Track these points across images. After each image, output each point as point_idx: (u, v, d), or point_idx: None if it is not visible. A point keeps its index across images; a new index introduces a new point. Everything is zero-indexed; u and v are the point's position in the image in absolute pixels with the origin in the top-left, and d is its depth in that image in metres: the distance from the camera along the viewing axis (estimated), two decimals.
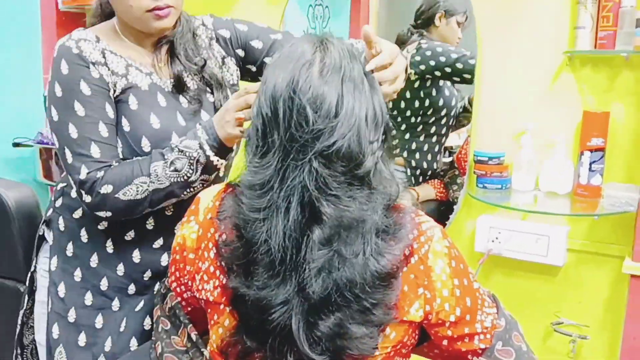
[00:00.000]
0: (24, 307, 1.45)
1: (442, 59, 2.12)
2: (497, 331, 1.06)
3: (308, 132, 0.92)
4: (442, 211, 2.22)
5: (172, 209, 1.32)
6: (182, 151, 1.20)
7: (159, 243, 1.34)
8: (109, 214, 1.22)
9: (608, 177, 1.73)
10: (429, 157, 2.32)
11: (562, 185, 1.77)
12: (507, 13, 1.85)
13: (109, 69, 1.25)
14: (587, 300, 1.83)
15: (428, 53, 2.15)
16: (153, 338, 1.22)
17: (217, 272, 1.05)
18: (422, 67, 2.16)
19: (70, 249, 1.34)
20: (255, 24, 1.44)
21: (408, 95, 2.22)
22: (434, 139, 2.30)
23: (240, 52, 1.42)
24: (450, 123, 2.28)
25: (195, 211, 1.12)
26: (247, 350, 1.00)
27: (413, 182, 2.33)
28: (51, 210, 1.40)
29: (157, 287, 1.33)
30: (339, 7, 2.54)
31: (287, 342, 0.95)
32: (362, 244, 0.93)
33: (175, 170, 1.20)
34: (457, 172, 2.23)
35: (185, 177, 1.21)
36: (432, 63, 2.13)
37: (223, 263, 1.02)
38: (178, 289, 1.17)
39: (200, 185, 1.25)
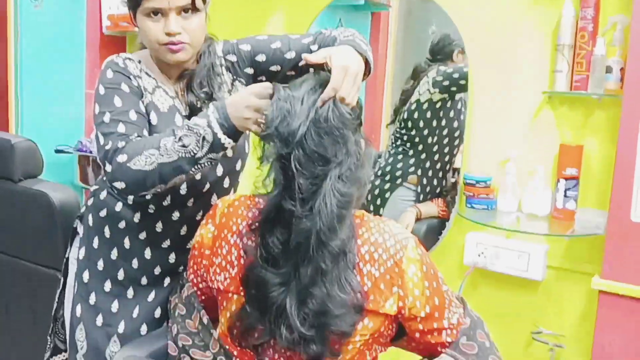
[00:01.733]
0: (60, 288, 1.64)
1: (457, 75, 2.36)
2: (463, 327, 1.23)
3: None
4: (441, 227, 2.39)
5: (178, 215, 1.48)
6: (190, 128, 1.24)
7: (166, 244, 1.49)
8: (122, 185, 1.27)
9: (582, 203, 1.92)
10: (440, 175, 2.52)
11: (541, 208, 1.96)
12: (496, 55, 2.06)
13: (143, 84, 1.42)
14: (564, 312, 2.01)
15: (449, 70, 2.39)
16: (170, 321, 1.42)
17: (228, 266, 1.26)
18: (446, 82, 2.39)
19: (96, 242, 1.51)
20: (256, 39, 1.53)
21: (428, 115, 2.44)
22: (446, 158, 2.50)
23: (249, 71, 1.53)
24: (460, 145, 2.46)
25: (213, 215, 1.33)
26: (249, 326, 1.20)
27: (421, 199, 2.51)
28: (84, 207, 1.58)
29: (167, 280, 1.52)
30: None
31: (282, 317, 1.15)
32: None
33: (183, 145, 1.23)
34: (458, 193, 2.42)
35: (192, 153, 1.24)
36: (456, 76, 2.36)
37: (242, 251, 1.24)
38: (195, 280, 1.36)
39: (208, 163, 1.28)
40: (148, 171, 1.25)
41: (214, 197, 1.52)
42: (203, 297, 1.37)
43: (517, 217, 2.01)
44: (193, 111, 1.45)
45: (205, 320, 1.34)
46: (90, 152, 2.97)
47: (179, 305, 1.40)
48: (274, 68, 1.51)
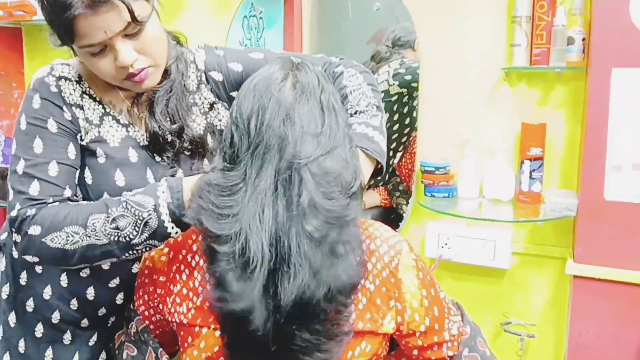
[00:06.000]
0: None
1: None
2: (464, 338, 1.10)
3: (291, 145, 0.95)
4: (386, 217, 2.25)
5: None
6: (129, 208, 1.03)
7: (114, 282, 1.26)
8: (36, 259, 1.08)
9: (547, 184, 1.83)
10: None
11: (504, 192, 1.85)
12: (448, 31, 1.93)
13: (84, 115, 1.16)
14: (533, 300, 1.92)
15: (415, 65, 2.22)
16: None
17: (190, 294, 1.06)
18: (408, 77, 2.20)
19: (24, 278, 1.25)
20: (250, 58, 1.30)
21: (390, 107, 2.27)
22: (391, 146, 2.34)
23: (235, 94, 1.31)
24: (405, 140, 2.31)
25: None
26: None
27: (372, 183, 2.36)
28: (5, 234, 1.29)
29: (112, 320, 1.30)
30: (273, 17, 2.50)
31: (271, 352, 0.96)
32: (351, 251, 0.96)
33: (117, 228, 1.03)
34: (398, 180, 2.27)
35: (128, 239, 1.03)
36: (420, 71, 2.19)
37: (208, 277, 1.01)
38: (146, 312, 1.16)
39: (146, 249, 1.07)
40: (69, 251, 1.04)
41: None
42: (157, 332, 1.17)
43: (480, 203, 1.90)
44: (155, 142, 1.21)
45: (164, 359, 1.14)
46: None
47: (127, 344, 1.19)
48: None
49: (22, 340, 1.26)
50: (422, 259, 1.10)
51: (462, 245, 1.91)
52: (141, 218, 1.02)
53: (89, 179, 1.16)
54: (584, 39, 1.69)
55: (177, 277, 1.08)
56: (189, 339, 1.06)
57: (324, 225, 0.93)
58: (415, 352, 1.08)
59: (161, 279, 1.10)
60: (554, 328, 1.89)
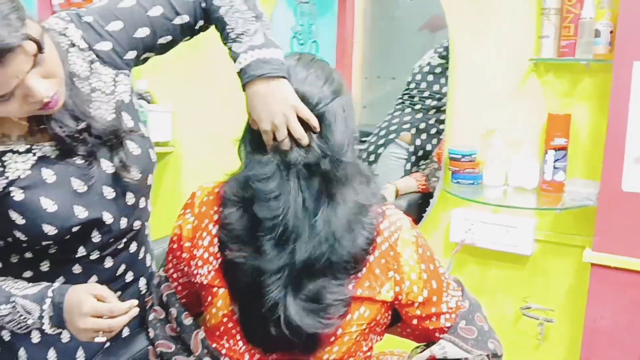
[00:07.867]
0: None
1: None
2: (461, 311, 1.18)
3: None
4: (424, 203, 2.32)
5: (80, 268, 1.22)
6: (15, 310, 1.09)
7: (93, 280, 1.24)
8: None
9: (570, 174, 1.86)
10: (434, 141, 2.44)
11: (528, 181, 1.90)
12: (478, 22, 1.97)
13: None
14: (553, 286, 1.97)
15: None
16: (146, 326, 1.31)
17: (210, 258, 1.17)
18: (440, 49, 2.35)
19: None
20: (123, 9, 1.19)
21: (430, 78, 2.38)
22: (442, 125, 2.40)
23: (132, 54, 1.22)
24: None
25: (192, 204, 1.23)
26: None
27: (412, 159, 2.47)
28: None
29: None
30: (326, 3, 2.56)
31: (276, 308, 1.09)
32: (360, 223, 1.11)
33: (1, 320, 1.10)
34: (436, 166, 2.33)
35: (10, 328, 1.12)
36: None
37: (224, 238, 1.15)
38: (174, 275, 1.28)
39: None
40: None
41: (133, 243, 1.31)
42: (184, 293, 1.29)
43: (505, 190, 1.95)
44: (65, 148, 1.14)
45: (187, 321, 1.26)
46: None
47: (154, 307, 1.31)
48: (163, 40, 1.24)
49: (22, 349, 1.23)
50: (423, 236, 1.18)
51: (486, 231, 1.97)
52: (26, 324, 1.10)
53: (20, 221, 1.10)
54: (611, 32, 1.71)
55: (200, 242, 1.19)
56: (209, 299, 1.18)
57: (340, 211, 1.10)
58: (414, 321, 1.17)
59: (186, 244, 1.22)
60: (572, 314, 1.93)
